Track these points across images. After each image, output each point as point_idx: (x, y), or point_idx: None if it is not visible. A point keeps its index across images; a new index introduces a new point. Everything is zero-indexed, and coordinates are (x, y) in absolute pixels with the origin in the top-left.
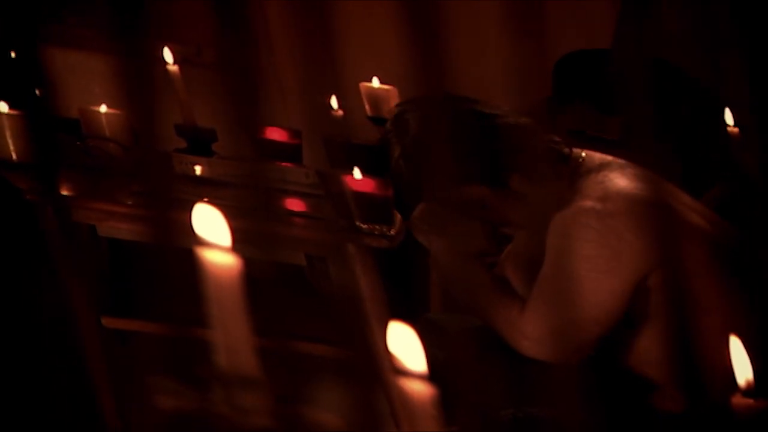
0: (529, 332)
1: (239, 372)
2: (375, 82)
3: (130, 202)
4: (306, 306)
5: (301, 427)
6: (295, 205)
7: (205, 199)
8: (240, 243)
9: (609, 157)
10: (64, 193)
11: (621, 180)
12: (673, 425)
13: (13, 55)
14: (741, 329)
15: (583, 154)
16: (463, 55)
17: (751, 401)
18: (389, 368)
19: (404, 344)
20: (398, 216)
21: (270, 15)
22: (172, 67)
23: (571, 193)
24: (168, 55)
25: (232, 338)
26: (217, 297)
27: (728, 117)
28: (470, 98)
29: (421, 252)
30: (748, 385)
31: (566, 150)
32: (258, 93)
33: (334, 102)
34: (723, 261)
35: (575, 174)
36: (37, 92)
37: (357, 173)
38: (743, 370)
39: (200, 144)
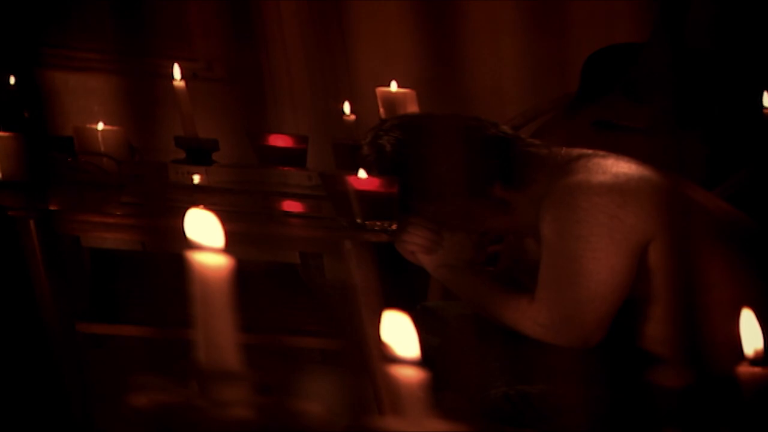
0: (543, 320)
1: (220, 367)
2: (393, 86)
3: (118, 213)
4: (298, 302)
5: (282, 417)
6: (293, 206)
7: (200, 205)
8: (235, 245)
9: (589, 150)
10: (51, 207)
11: (604, 162)
12: (673, 401)
13: (12, 80)
14: (753, 303)
15: (562, 150)
16: (479, 54)
17: (758, 369)
18: (379, 356)
19: (398, 332)
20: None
21: (283, 22)
22: (179, 83)
23: (554, 184)
24: (177, 71)
25: (215, 335)
26: (204, 296)
27: (766, 99)
28: (445, 114)
29: None
30: (757, 354)
31: (544, 151)
32: (266, 102)
33: (346, 107)
34: (732, 239)
35: (555, 168)
36: (24, 114)
37: (362, 172)
38: (753, 340)
39: (200, 154)
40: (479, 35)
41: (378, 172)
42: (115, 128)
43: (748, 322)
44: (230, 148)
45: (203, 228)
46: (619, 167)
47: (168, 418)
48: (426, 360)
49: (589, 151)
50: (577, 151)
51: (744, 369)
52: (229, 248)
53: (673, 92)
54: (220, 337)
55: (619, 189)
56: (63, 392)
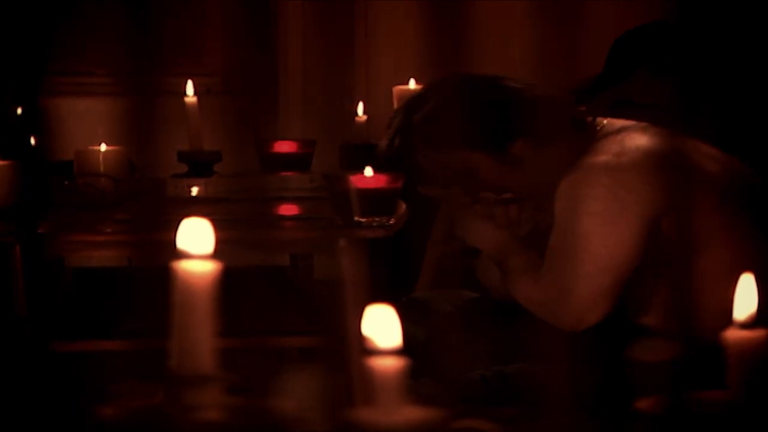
0: (542, 299)
1: (194, 371)
2: (411, 84)
3: (108, 230)
4: (283, 303)
5: (254, 417)
6: (290, 210)
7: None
8: (227, 251)
9: (631, 122)
10: (40, 231)
11: (640, 137)
12: (657, 375)
13: (19, 111)
14: (751, 266)
15: (605, 122)
16: (491, 41)
17: (745, 333)
18: (359, 350)
19: (381, 324)
20: (402, 205)
21: (299, 25)
22: (191, 99)
23: (583, 156)
24: (190, 87)
25: (192, 341)
26: (185, 302)
27: None
28: (497, 75)
29: (414, 233)
30: (750, 318)
31: (588, 118)
32: (278, 109)
33: (360, 108)
34: (735, 201)
35: (592, 138)
36: (32, 141)
37: (368, 171)
38: (747, 305)
39: (202, 166)
40: (491, 30)
41: (399, 122)
42: (116, 148)
43: (745, 286)
44: (239, 158)
45: (194, 236)
46: (652, 142)
47: (137, 425)
48: (409, 351)
49: (631, 124)
50: (620, 123)
51: (731, 333)
52: (220, 254)
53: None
54: (197, 342)
55: (645, 165)
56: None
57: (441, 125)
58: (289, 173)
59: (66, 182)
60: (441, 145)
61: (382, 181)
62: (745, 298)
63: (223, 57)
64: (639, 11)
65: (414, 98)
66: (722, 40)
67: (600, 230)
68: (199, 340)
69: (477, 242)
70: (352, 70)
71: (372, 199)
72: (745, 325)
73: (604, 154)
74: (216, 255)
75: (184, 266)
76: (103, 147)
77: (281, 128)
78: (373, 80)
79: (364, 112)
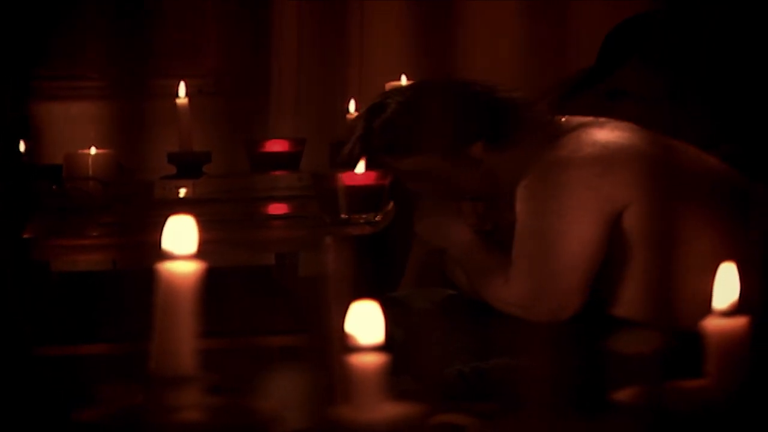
0: (515, 298)
1: (174, 372)
2: (403, 80)
3: (95, 234)
4: (267, 302)
5: (234, 417)
6: (277, 209)
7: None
8: (213, 251)
9: (589, 118)
10: (25, 236)
11: (597, 132)
12: (636, 365)
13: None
14: (731, 256)
15: (563, 119)
16: (481, 39)
17: (724, 321)
18: (341, 347)
19: (364, 320)
20: (390, 203)
21: (293, 25)
22: (182, 101)
23: (540, 155)
24: (182, 89)
25: (174, 341)
26: (168, 303)
27: None
28: (459, 79)
29: (400, 230)
30: (731, 307)
31: (546, 118)
32: (270, 108)
33: (352, 105)
34: (716, 196)
35: (550, 137)
36: (22, 145)
37: (360, 167)
38: (728, 293)
39: (190, 167)
40: (481, 28)
41: (363, 123)
42: (105, 151)
43: (726, 275)
44: (230, 159)
45: (179, 235)
46: (610, 136)
47: (117, 427)
48: (388, 349)
49: (589, 120)
50: (577, 120)
51: (710, 321)
52: (206, 254)
53: (683, 61)
54: (178, 343)
55: (602, 160)
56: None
57: (398, 131)
58: (278, 172)
59: (54, 186)
60: (399, 150)
61: (371, 178)
62: (725, 287)
63: (216, 58)
64: (626, 8)
65: (373, 105)
66: (714, 29)
67: (561, 227)
68: (181, 340)
69: (442, 242)
70: (345, 69)
71: (360, 196)
72: (726, 314)
73: (560, 150)
74: (202, 255)
75: (167, 267)
76: (93, 150)
77: (272, 127)
78: (367, 78)
79: (356, 110)
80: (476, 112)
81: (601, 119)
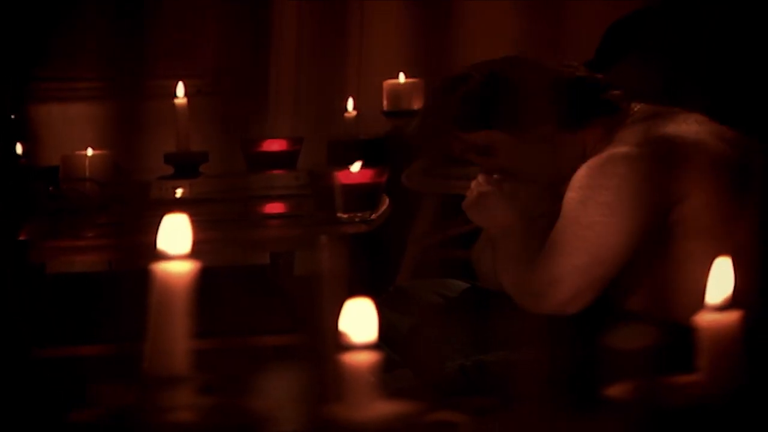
0: (530, 286)
1: (168, 372)
2: (401, 78)
3: (90, 235)
4: (262, 302)
5: (227, 417)
6: (274, 208)
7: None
8: (209, 251)
9: (662, 107)
10: (22, 238)
11: (667, 125)
12: (631, 361)
13: (13, 117)
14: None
15: (637, 107)
16: (479, 36)
17: (717, 315)
18: (334, 345)
19: (359, 318)
20: (385, 200)
21: (293, 24)
22: (180, 101)
23: (606, 144)
24: (180, 89)
25: (168, 341)
26: (162, 302)
27: None
28: (552, 60)
29: (395, 227)
30: (725, 302)
31: (622, 103)
32: (268, 107)
33: (350, 103)
34: (735, 183)
35: (620, 125)
36: (19, 147)
37: (356, 166)
38: (722, 287)
39: (187, 167)
40: (479, 26)
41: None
42: (102, 152)
43: (721, 270)
44: (229, 159)
45: (174, 234)
46: (679, 130)
47: (110, 428)
48: (392, 342)
49: (662, 110)
50: (650, 109)
51: (703, 316)
52: (200, 254)
53: (680, 55)
54: (172, 343)
55: (666, 156)
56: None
57: (473, 105)
58: (275, 172)
59: (51, 188)
60: (469, 123)
61: (367, 176)
62: (720, 282)
63: (215, 57)
64: (624, 5)
65: (452, 79)
66: (710, 24)
67: (606, 220)
68: (174, 340)
69: (489, 220)
70: (344, 67)
71: (356, 194)
72: (720, 308)
73: (628, 145)
74: (196, 254)
75: (161, 267)
76: (90, 152)
77: (271, 126)
78: (365, 77)
79: (354, 108)
80: (551, 92)
81: (674, 109)
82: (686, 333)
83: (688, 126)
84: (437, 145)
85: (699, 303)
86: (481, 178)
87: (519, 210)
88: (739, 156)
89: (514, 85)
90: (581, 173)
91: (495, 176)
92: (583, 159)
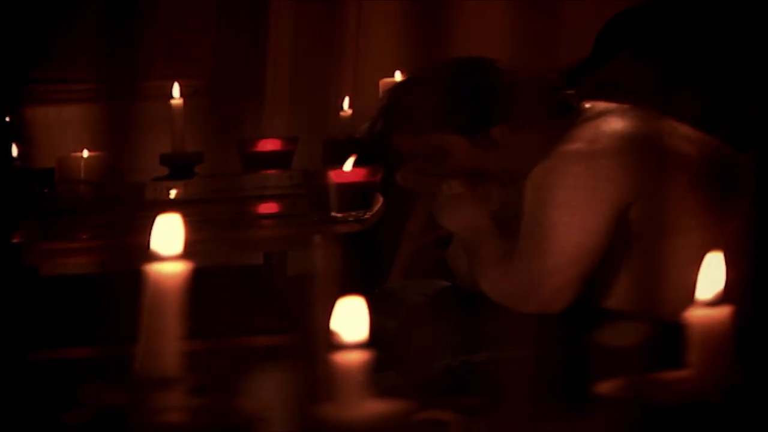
0: (510, 291)
1: (159, 374)
2: (397, 76)
3: (84, 236)
4: (254, 302)
5: (218, 418)
6: (267, 208)
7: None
8: (202, 252)
9: (613, 105)
10: (15, 240)
11: (617, 122)
12: (623, 358)
13: (7, 119)
14: (724, 246)
15: (588, 105)
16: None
17: (708, 311)
18: (326, 345)
19: (350, 317)
20: (379, 199)
21: (289, 23)
22: (176, 102)
23: (559, 142)
24: (176, 90)
25: (160, 342)
26: (154, 304)
27: None
28: (483, 58)
29: (389, 225)
30: (716, 297)
31: (573, 102)
32: (264, 107)
33: (345, 102)
34: (709, 182)
35: (571, 124)
36: (14, 149)
37: (348, 164)
38: (713, 283)
39: (183, 168)
40: (474, 22)
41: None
42: (97, 154)
43: (712, 265)
44: (225, 159)
45: (166, 235)
46: (629, 127)
47: (102, 429)
48: (378, 343)
49: (613, 107)
50: (602, 106)
51: (694, 311)
52: (194, 255)
53: (674, 51)
54: (164, 344)
55: (618, 151)
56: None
57: (423, 109)
58: (270, 171)
59: (46, 190)
60: (421, 127)
61: (361, 174)
62: (711, 277)
63: (211, 57)
64: (618, 3)
65: (399, 84)
66: (705, 19)
67: (567, 220)
68: (166, 342)
69: (461, 224)
70: (341, 67)
71: (350, 193)
72: (709, 304)
73: (579, 142)
74: (190, 255)
75: (154, 268)
76: (85, 153)
77: (267, 126)
78: (362, 75)
79: (350, 107)
80: (498, 92)
81: (624, 106)
82: (671, 330)
83: (640, 122)
84: (390, 148)
85: (677, 300)
86: (453, 181)
87: (490, 212)
88: (697, 152)
89: (468, 88)
90: (536, 173)
91: (465, 179)
92: (538, 158)
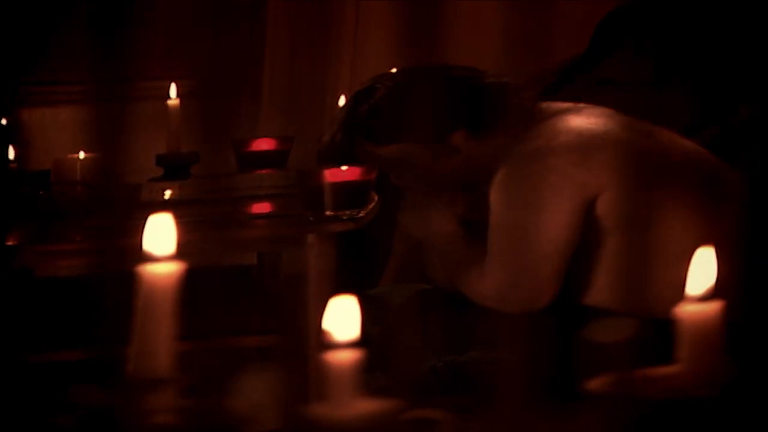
0: (489, 292)
1: (151, 375)
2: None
3: (78, 238)
4: (247, 302)
5: (209, 418)
6: (261, 208)
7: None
8: (195, 252)
9: (567, 104)
10: (9, 243)
11: (574, 119)
12: (611, 354)
13: (4, 121)
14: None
15: (543, 106)
16: (471, 36)
17: (697, 306)
18: (318, 345)
19: (342, 316)
20: (374, 197)
21: (286, 23)
22: (173, 102)
23: (518, 143)
24: (173, 90)
25: (152, 343)
26: (147, 304)
27: None
28: (442, 65)
29: (382, 224)
30: (707, 292)
31: (529, 104)
32: (260, 106)
33: (341, 101)
34: (693, 183)
35: (528, 125)
36: (11, 151)
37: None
38: (704, 278)
39: (178, 169)
40: (469, 21)
41: (346, 121)
42: (93, 155)
43: (702, 260)
44: (221, 159)
45: (159, 235)
46: (586, 122)
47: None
48: (365, 347)
49: (567, 106)
50: (556, 106)
51: (683, 307)
52: (187, 255)
53: (669, 47)
54: (156, 345)
55: (577, 147)
56: None
57: (382, 118)
58: (264, 171)
59: (41, 192)
60: (381, 138)
61: (356, 174)
62: (701, 272)
63: (207, 58)
64: (613, 3)
65: (360, 91)
66: (701, 16)
67: (534, 219)
68: (159, 342)
69: (424, 232)
70: (338, 65)
71: (345, 192)
72: (699, 299)
73: (536, 140)
74: (183, 255)
75: (146, 269)
76: (82, 155)
77: (263, 126)
78: (358, 74)
79: None
80: (458, 100)
81: (580, 105)
82: (661, 325)
83: (596, 119)
84: (351, 160)
85: (671, 295)
86: (417, 190)
87: (449, 218)
88: (655, 146)
89: (421, 96)
90: (499, 176)
91: (429, 187)
92: (499, 161)
